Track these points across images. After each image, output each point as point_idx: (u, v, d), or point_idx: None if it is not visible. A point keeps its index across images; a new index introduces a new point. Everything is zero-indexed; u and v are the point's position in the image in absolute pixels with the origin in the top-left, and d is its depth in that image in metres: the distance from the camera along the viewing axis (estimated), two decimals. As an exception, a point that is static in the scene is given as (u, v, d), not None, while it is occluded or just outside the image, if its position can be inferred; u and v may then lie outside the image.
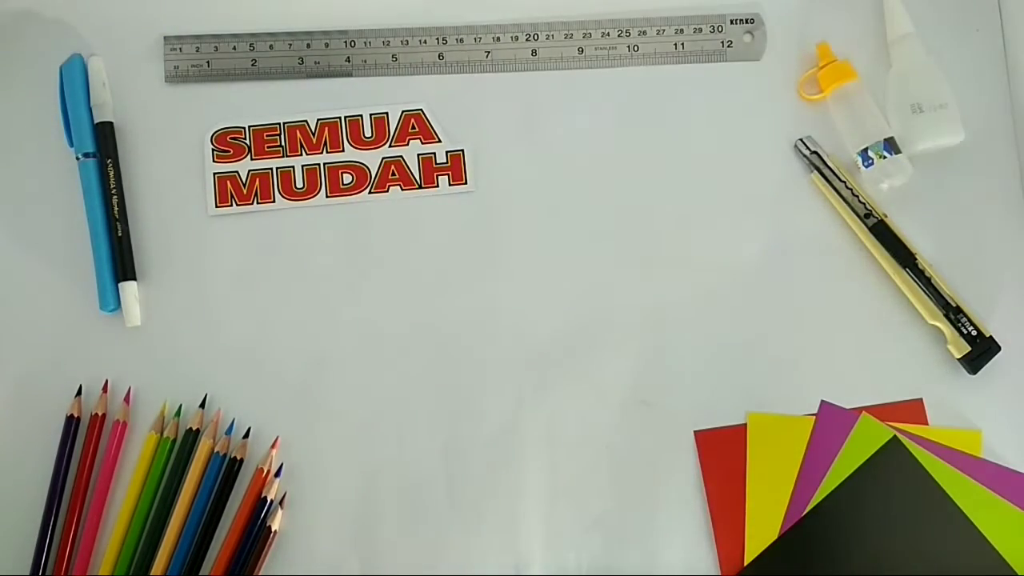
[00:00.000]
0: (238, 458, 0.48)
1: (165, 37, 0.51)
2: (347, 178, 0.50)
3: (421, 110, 0.51)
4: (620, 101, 0.51)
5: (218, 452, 0.48)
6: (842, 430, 0.48)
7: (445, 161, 0.50)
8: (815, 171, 0.50)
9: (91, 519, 0.47)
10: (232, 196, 0.50)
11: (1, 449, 0.48)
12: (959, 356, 0.48)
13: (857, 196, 0.49)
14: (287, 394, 0.49)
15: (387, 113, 0.51)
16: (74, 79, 0.50)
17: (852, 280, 0.50)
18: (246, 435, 0.48)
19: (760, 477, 0.48)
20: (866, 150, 0.49)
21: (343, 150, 0.50)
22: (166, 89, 0.51)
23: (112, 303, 0.49)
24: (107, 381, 0.49)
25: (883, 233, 0.49)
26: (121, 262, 0.49)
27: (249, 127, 0.50)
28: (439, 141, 0.50)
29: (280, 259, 0.50)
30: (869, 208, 0.49)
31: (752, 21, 0.51)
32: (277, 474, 0.48)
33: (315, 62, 0.51)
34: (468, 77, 0.51)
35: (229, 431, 0.48)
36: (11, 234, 0.50)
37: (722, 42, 0.51)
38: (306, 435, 0.49)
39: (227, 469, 0.48)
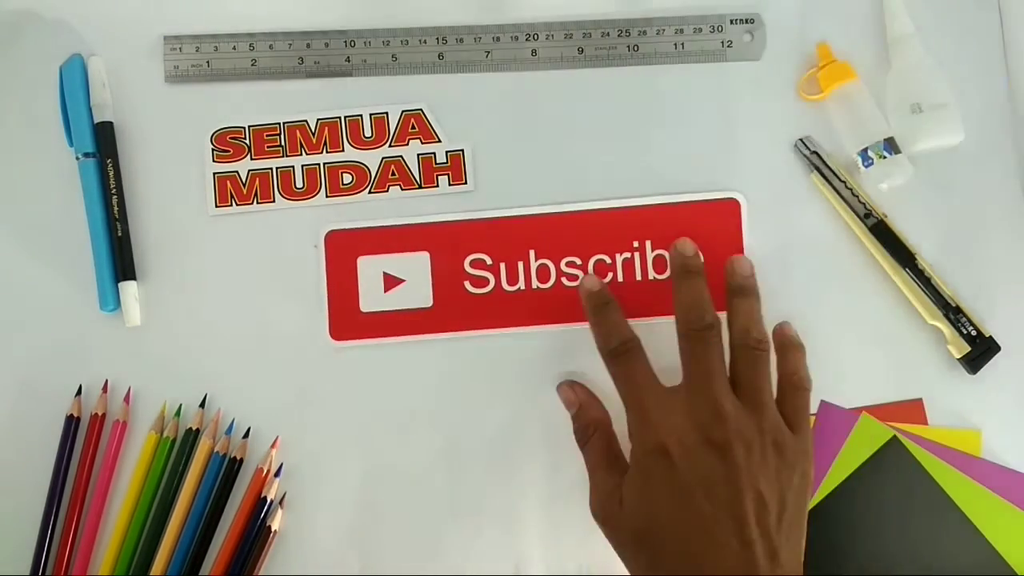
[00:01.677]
0: (238, 458, 0.48)
1: (165, 37, 0.51)
2: (347, 178, 0.50)
3: (421, 110, 0.51)
4: (620, 101, 0.51)
5: (218, 452, 0.48)
6: (842, 430, 0.48)
7: (445, 161, 0.50)
8: (815, 171, 0.50)
9: (91, 519, 0.47)
10: (232, 196, 0.50)
11: (1, 449, 0.48)
12: (959, 356, 0.48)
13: (857, 196, 0.49)
14: (287, 394, 0.49)
15: (387, 113, 0.51)
16: (74, 79, 0.50)
17: (852, 280, 0.50)
18: (246, 435, 0.48)
19: (760, 477, 0.48)
20: (866, 150, 0.49)
21: (343, 150, 0.50)
22: (166, 89, 0.51)
23: (112, 303, 0.49)
24: (107, 381, 0.49)
25: (883, 233, 0.49)
26: (121, 262, 0.49)
27: (249, 127, 0.50)
28: (439, 141, 0.50)
29: (280, 259, 0.50)
30: (869, 208, 0.49)
31: (752, 21, 0.51)
32: (277, 474, 0.48)
33: (315, 62, 0.51)
34: (468, 77, 0.51)
35: (229, 431, 0.48)
36: (11, 234, 0.50)
37: (722, 42, 0.51)
38: (306, 435, 0.49)
39: (227, 469, 0.48)
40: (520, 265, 0.49)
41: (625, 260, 0.49)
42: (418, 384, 0.49)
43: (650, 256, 0.49)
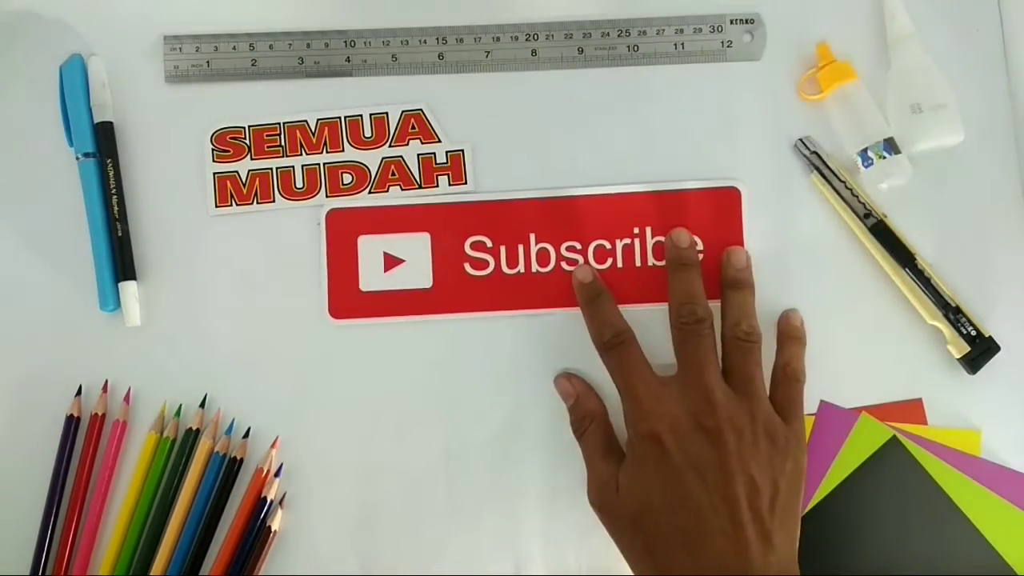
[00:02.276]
0: (238, 458, 0.48)
1: (165, 37, 0.51)
2: (347, 178, 0.50)
3: (421, 110, 0.51)
4: (620, 101, 0.51)
5: (218, 452, 0.48)
6: (841, 430, 0.48)
7: (445, 161, 0.50)
8: (815, 171, 0.50)
9: (91, 519, 0.47)
10: (232, 196, 0.50)
11: (1, 449, 0.48)
12: (958, 356, 0.48)
13: (857, 196, 0.49)
14: (287, 394, 0.49)
15: (387, 113, 0.51)
16: (74, 79, 0.50)
17: (852, 280, 0.50)
18: (246, 435, 0.48)
19: (760, 477, 0.48)
20: (866, 150, 0.49)
21: (343, 150, 0.50)
22: (166, 89, 0.51)
23: (112, 303, 0.49)
24: (107, 381, 0.49)
25: (883, 233, 0.49)
26: (121, 262, 0.49)
27: (249, 127, 0.50)
28: (439, 141, 0.50)
29: (280, 259, 0.50)
30: (869, 208, 0.49)
31: (752, 21, 0.51)
32: (277, 474, 0.48)
33: (315, 62, 0.51)
34: (468, 77, 0.51)
35: (229, 431, 0.48)
36: (11, 234, 0.50)
37: (722, 42, 0.51)
38: (306, 435, 0.49)
39: (227, 469, 0.48)
40: (520, 248, 0.50)
41: (625, 246, 0.49)
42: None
43: (650, 242, 0.50)
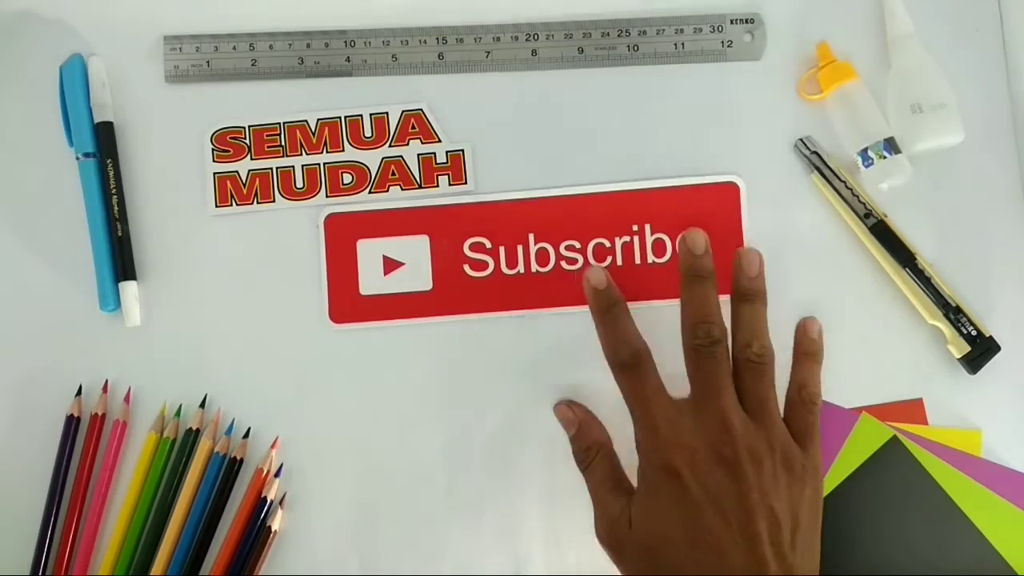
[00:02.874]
0: (238, 458, 0.48)
1: (165, 37, 0.51)
2: (347, 178, 0.50)
3: (421, 110, 0.51)
4: (620, 101, 0.51)
5: (218, 452, 0.48)
6: (842, 430, 0.48)
7: (445, 161, 0.50)
8: (815, 171, 0.50)
9: (91, 519, 0.47)
10: (232, 196, 0.50)
11: (1, 449, 0.48)
12: (959, 356, 0.48)
13: (857, 196, 0.49)
14: (287, 394, 0.49)
15: (387, 113, 0.51)
16: (74, 79, 0.50)
17: (852, 280, 0.50)
18: (246, 435, 0.49)
19: (760, 477, 0.48)
20: (866, 150, 0.49)
21: (343, 150, 0.50)
22: (166, 89, 0.51)
23: (112, 303, 0.49)
24: (107, 381, 0.49)
25: (883, 233, 0.49)
26: (121, 262, 0.49)
27: (249, 127, 0.50)
28: (439, 141, 0.50)
29: (280, 259, 0.50)
30: (869, 208, 0.49)
31: (752, 21, 0.51)
32: (277, 474, 0.48)
33: (315, 62, 0.51)
34: (468, 77, 0.51)
35: (229, 431, 0.49)
36: (11, 234, 0.50)
37: (722, 42, 0.51)
38: (306, 435, 0.49)
39: (227, 469, 0.48)
40: (519, 249, 0.50)
41: (624, 244, 0.49)
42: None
43: (649, 240, 0.49)
